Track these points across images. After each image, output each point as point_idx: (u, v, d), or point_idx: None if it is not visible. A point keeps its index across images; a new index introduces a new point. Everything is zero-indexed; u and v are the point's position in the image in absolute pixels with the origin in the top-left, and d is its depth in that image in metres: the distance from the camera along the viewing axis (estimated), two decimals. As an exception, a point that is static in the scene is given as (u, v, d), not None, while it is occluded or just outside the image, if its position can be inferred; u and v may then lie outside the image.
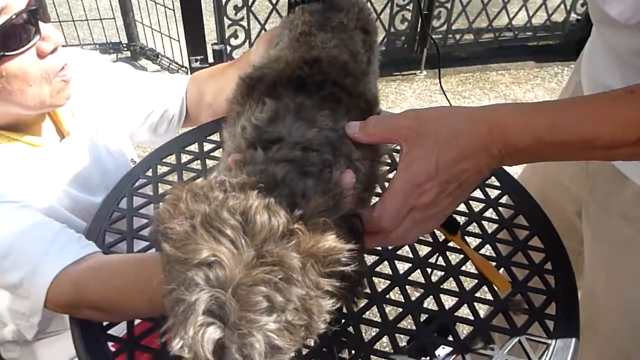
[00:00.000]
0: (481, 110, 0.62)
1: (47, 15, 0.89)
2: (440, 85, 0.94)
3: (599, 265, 0.93)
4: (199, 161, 1.05)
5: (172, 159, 1.06)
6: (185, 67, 2.89)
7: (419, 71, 3.10)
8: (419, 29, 2.97)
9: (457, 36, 3.12)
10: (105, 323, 0.78)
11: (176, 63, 2.96)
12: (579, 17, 3.19)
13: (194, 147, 1.09)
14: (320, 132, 0.61)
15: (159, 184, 1.00)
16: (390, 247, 0.88)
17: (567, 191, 1.06)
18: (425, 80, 3.07)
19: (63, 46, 0.91)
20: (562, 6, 3.12)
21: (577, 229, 1.05)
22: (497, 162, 0.61)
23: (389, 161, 1.01)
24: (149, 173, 1.02)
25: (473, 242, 0.91)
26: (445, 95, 1.19)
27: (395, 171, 0.63)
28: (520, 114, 0.60)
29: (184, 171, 1.03)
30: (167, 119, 1.17)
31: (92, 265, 0.77)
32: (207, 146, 1.09)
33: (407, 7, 2.93)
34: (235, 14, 2.67)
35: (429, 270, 0.85)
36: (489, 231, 0.92)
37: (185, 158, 1.06)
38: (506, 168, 0.97)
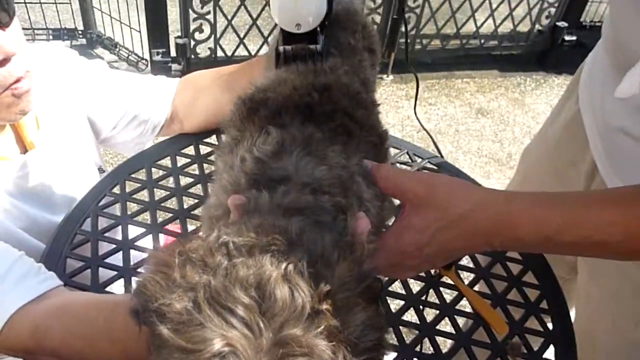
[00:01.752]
0: (495, 196, 0.61)
1: (4, 15, 0.77)
2: (415, 99, 0.91)
3: (599, 305, 0.90)
4: (172, 177, 0.97)
5: (142, 174, 0.97)
6: (146, 60, 2.75)
7: (386, 75, 3.06)
8: (387, 33, 2.93)
9: (425, 42, 3.10)
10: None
11: (136, 55, 2.81)
12: (542, 29, 3.23)
13: (166, 161, 1.00)
14: (330, 170, 0.54)
15: (127, 202, 0.92)
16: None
17: None
18: (392, 85, 3.04)
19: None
20: (527, 17, 3.15)
21: (566, 258, 1.03)
22: (494, 249, 0.61)
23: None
24: (117, 190, 0.93)
25: (467, 276, 0.86)
26: (416, 114, 1.14)
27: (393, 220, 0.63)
28: (534, 209, 0.58)
29: (155, 189, 0.94)
30: (142, 124, 1.06)
31: (56, 306, 0.67)
32: (181, 160, 1.01)
33: (378, 10, 2.89)
34: (202, 7, 2.56)
35: (422, 308, 0.81)
36: (482, 265, 0.88)
37: (156, 173, 0.97)
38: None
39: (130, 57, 2.81)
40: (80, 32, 2.92)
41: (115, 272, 0.80)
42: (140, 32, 2.71)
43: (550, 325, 0.81)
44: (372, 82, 0.72)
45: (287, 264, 0.40)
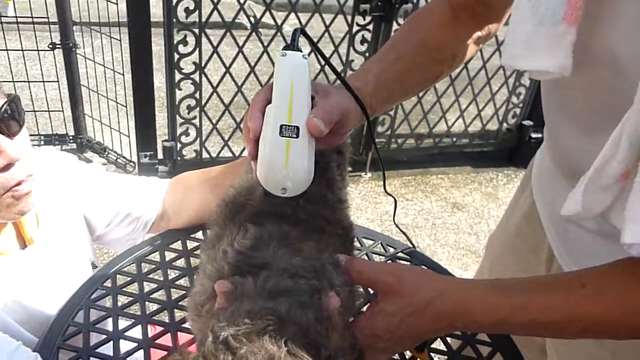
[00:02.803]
0: (455, 285, 0.69)
1: (15, 124, 0.87)
2: (385, 188, 1.00)
3: None
4: (160, 271, 1.03)
5: (132, 268, 1.03)
6: (133, 162, 2.86)
7: (364, 173, 3.21)
8: (364, 134, 3.11)
9: (400, 141, 3.27)
10: None
11: (124, 157, 2.93)
12: (510, 128, 3.44)
13: (155, 256, 1.06)
14: (305, 260, 0.62)
15: (119, 295, 0.97)
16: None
17: None
18: (370, 182, 3.17)
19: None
20: (495, 117, 3.36)
21: (537, 341, 1.07)
22: (457, 330, 0.70)
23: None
24: (108, 283, 0.99)
25: (439, 358, 0.91)
26: (395, 200, 1.22)
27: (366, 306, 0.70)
28: (487, 296, 0.66)
29: (144, 282, 1.00)
30: (134, 222, 1.13)
31: None
32: (170, 255, 1.07)
33: (354, 112, 3.06)
34: (188, 112, 2.71)
35: (398, 390, 0.85)
36: (454, 347, 0.93)
37: (145, 267, 1.03)
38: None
39: (118, 160, 2.93)
40: (71, 137, 3.04)
41: (106, 362, 0.84)
42: (129, 136, 2.84)
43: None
44: (338, 181, 0.79)
45: (285, 340, 0.45)
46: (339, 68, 2.78)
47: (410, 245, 1.15)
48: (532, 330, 0.69)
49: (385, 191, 0.99)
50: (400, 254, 1.13)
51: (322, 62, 0.74)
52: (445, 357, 0.91)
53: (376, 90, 0.80)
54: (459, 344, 0.93)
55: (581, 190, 0.62)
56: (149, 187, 1.15)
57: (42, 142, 3.00)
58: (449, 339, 0.94)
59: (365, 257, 1.11)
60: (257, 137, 0.68)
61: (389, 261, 1.11)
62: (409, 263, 1.11)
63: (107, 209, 1.11)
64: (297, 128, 0.65)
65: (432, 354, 0.91)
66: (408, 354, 0.90)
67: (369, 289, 0.95)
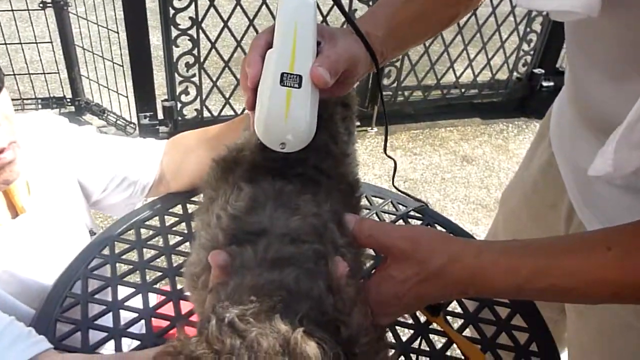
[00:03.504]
0: (468, 248, 0.63)
1: None
2: (385, 148, 0.94)
3: (589, 345, 0.91)
4: (160, 237, 0.98)
5: (131, 234, 0.98)
6: (134, 124, 2.80)
7: (370, 128, 3.13)
8: (369, 87, 3.02)
9: (407, 93, 3.18)
10: None
11: (123, 119, 2.86)
12: (521, 77, 3.34)
13: (154, 221, 1.01)
14: (304, 219, 0.56)
15: (117, 263, 0.92)
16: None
17: None
18: (377, 136, 3.10)
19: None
20: (505, 66, 3.25)
21: None
22: (470, 296, 0.65)
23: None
24: (106, 251, 0.94)
25: (456, 321, 0.87)
26: (386, 152, 1.16)
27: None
28: (502, 259, 0.61)
29: (144, 248, 0.95)
30: (131, 186, 1.08)
31: None
32: (170, 220, 1.02)
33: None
34: (187, 70, 2.63)
35: (413, 356, 0.81)
36: (470, 310, 0.89)
37: (145, 233, 0.99)
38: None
39: (118, 122, 2.86)
40: (68, 100, 2.98)
41: (106, 334, 0.80)
42: (127, 97, 2.77)
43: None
44: (342, 134, 0.73)
45: (300, 317, 0.40)
46: (340, 19, 2.67)
47: (422, 203, 1.09)
48: (553, 296, 0.64)
49: (385, 153, 0.93)
50: (411, 212, 1.07)
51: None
52: (462, 320, 0.87)
53: (387, 36, 0.72)
54: (475, 306, 0.89)
55: (612, 149, 0.55)
56: (145, 149, 1.09)
57: (40, 106, 2.94)
58: (465, 301, 0.90)
59: (375, 217, 1.06)
60: (256, 85, 0.61)
61: (401, 220, 1.05)
62: (420, 222, 1.06)
63: (102, 174, 1.06)
64: (300, 77, 0.59)
65: (448, 317, 0.87)
66: (423, 318, 0.86)
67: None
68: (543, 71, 3.26)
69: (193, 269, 0.58)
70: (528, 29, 3.16)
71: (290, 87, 0.58)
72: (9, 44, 2.78)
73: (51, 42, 2.85)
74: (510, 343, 0.84)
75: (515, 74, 3.32)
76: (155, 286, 0.89)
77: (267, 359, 0.37)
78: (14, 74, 2.85)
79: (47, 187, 0.98)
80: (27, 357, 0.68)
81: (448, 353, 0.81)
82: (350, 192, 0.69)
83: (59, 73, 2.91)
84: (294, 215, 0.55)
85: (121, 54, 2.71)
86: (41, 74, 2.90)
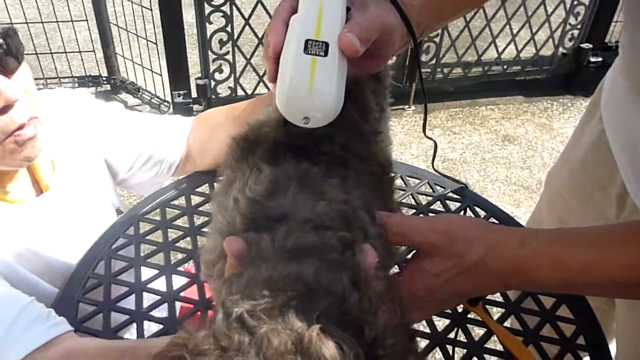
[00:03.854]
0: (509, 239, 0.57)
1: (12, 61, 0.77)
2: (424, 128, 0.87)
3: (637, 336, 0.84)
4: (186, 217, 0.95)
5: (156, 214, 0.95)
6: (168, 102, 2.79)
7: (408, 106, 3.04)
8: (407, 63, 2.92)
9: (446, 70, 3.08)
10: None
11: (158, 97, 2.86)
12: (567, 52, 3.19)
13: (180, 201, 0.98)
14: (329, 205, 0.51)
15: (142, 244, 0.90)
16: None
17: None
18: (414, 115, 3.01)
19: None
20: (551, 41, 3.11)
21: None
22: (513, 289, 0.59)
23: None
24: (131, 231, 0.92)
25: (496, 311, 0.81)
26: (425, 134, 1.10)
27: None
28: (550, 250, 0.55)
29: (169, 229, 0.92)
30: (157, 165, 1.05)
31: (61, 354, 0.65)
32: (196, 199, 0.99)
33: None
34: (220, 48, 2.59)
35: (449, 347, 0.75)
36: (512, 299, 0.83)
37: (170, 213, 0.96)
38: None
39: (152, 100, 2.86)
40: (104, 78, 2.99)
41: (127, 316, 0.78)
42: (161, 75, 2.76)
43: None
44: (373, 110, 0.68)
45: (317, 315, 0.35)
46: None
47: (462, 184, 1.03)
48: (608, 291, 0.58)
49: (425, 134, 0.86)
50: (450, 194, 1.01)
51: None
52: (503, 309, 0.81)
53: (423, 5, 0.65)
54: (517, 295, 0.83)
55: None
56: (172, 127, 1.06)
57: (76, 84, 2.96)
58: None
59: (411, 199, 1.00)
60: (278, 54, 0.55)
61: (438, 202, 0.99)
62: (458, 204, 0.99)
63: (128, 152, 1.03)
64: (327, 44, 0.53)
65: (488, 306, 0.81)
66: (461, 307, 0.80)
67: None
68: (591, 46, 3.10)
69: (208, 256, 0.54)
70: (575, 2, 3.00)
71: (316, 55, 0.53)
72: (46, 22, 2.79)
73: (87, 21, 2.85)
74: (555, 335, 0.78)
75: (560, 49, 3.17)
76: (179, 268, 0.86)
77: (278, 357, 0.33)
78: (51, 53, 2.87)
79: (72, 165, 0.96)
80: (45, 340, 0.66)
81: (487, 345, 0.75)
82: (381, 174, 0.63)
83: (94, 52, 2.92)
84: (319, 201, 0.50)
85: (155, 32, 2.70)
86: (77, 52, 2.91)
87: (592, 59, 3.11)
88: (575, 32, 3.12)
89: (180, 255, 0.88)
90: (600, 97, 0.90)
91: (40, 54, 2.82)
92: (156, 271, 0.85)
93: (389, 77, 0.76)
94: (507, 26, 2.96)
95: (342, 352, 0.33)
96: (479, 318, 0.78)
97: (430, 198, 1.00)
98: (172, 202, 0.98)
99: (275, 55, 0.56)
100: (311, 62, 0.53)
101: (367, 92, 0.68)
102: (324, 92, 0.54)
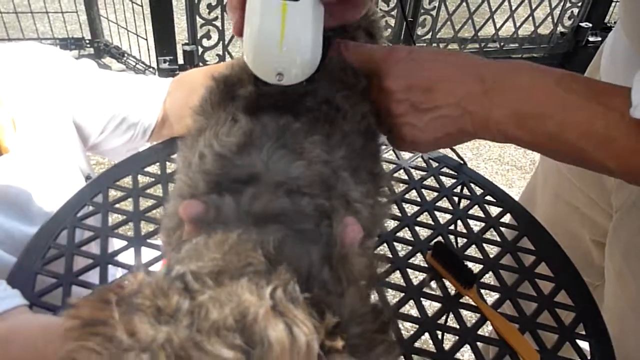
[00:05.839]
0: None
1: None
2: None
3: (630, 309, 0.79)
4: (160, 185, 0.88)
5: (127, 181, 0.88)
6: (153, 68, 2.69)
7: (401, 81, 2.96)
8: (402, 37, 2.84)
9: (442, 45, 2.99)
10: None
11: (143, 63, 2.75)
12: (565, 31, 3.11)
13: (154, 168, 0.91)
14: (309, 166, 0.44)
15: (110, 213, 0.83)
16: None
17: (583, 217, 0.92)
18: (408, 90, 2.94)
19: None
20: (550, 19, 3.03)
21: (595, 262, 0.92)
22: (485, 93, 0.51)
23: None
24: (99, 199, 0.84)
25: (491, 296, 0.75)
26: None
27: None
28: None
29: (141, 197, 0.85)
30: (132, 128, 0.97)
31: (3, 333, 0.58)
32: (172, 167, 0.91)
33: (392, 12, 2.79)
34: (209, 12, 2.48)
35: (439, 333, 0.70)
36: (509, 283, 0.77)
37: (143, 181, 0.88)
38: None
39: (137, 66, 2.76)
40: (87, 41, 2.87)
41: (90, 291, 0.71)
42: (147, 40, 2.65)
43: (588, 353, 0.70)
44: None
45: (272, 289, 0.29)
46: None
47: (460, 162, 0.96)
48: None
49: None
50: (444, 169, 0.95)
51: None
52: (498, 294, 0.75)
53: None
54: (514, 279, 0.77)
55: None
56: (148, 88, 0.98)
57: (58, 47, 2.83)
58: (503, 274, 0.78)
59: (403, 173, 0.93)
60: (244, 2, 0.48)
61: (432, 178, 0.93)
62: (454, 180, 0.93)
63: (99, 113, 0.95)
64: None
65: (482, 291, 0.75)
66: (453, 291, 0.74)
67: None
68: (590, 25, 3.02)
69: (167, 221, 0.47)
70: (577, -22, 2.92)
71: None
72: (27, -19, 2.67)
73: (70, -20, 2.73)
74: (553, 323, 0.72)
75: (559, 27, 3.09)
76: (149, 240, 0.79)
77: (212, 333, 0.26)
78: (32, 12, 2.74)
79: (37, 125, 0.88)
80: None
81: (480, 332, 0.69)
82: (371, 136, 0.56)
83: (77, 13, 2.80)
84: (296, 160, 0.43)
85: (141, -6, 2.59)
86: (60, 13, 2.79)
87: (591, 39, 3.04)
88: (575, 10, 3.04)
89: (152, 227, 0.81)
90: (600, 64, 0.85)
91: (20, 13, 2.70)
92: (124, 243, 0.78)
93: (383, 35, 0.69)
94: (506, 2, 2.88)
95: (292, 337, 0.26)
96: (472, 303, 0.72)
97: (424, 173, 0.93)
98: (145, 169, 0.90)
99: (240, 4, 0.49)
100: (281, 7, 0.46)
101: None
102: (298, 42, 0.47)
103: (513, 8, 2.91)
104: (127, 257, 0.77)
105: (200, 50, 2.59)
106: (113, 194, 0.86)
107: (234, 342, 0.26)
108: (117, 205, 0.84)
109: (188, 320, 0.27)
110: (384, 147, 0.62)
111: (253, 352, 0.26)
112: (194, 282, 0.29)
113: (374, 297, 0.37)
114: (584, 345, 0.70)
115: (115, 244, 0.79)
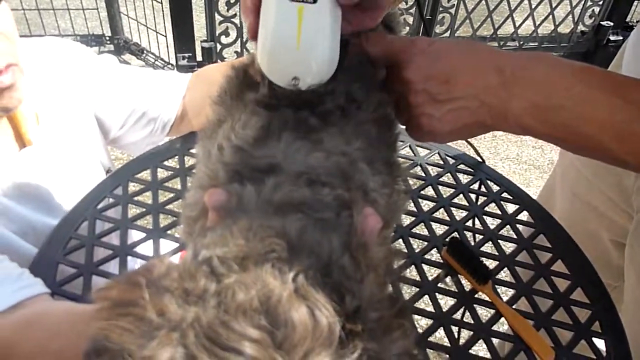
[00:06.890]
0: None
1: None
2: None
3: None
4: (178, 179, 0.89)
5: (146, 174, 0.89)
6: (172, 65, 2.71)
7: (419, 79, 2.96)
8: (420, 35, 2.83)
9: (460, 44, 2.98)
10: None
11: (162, 60, 2.78)
12: (586, 30, 3.08)
13: (173, 162, 0.92)
14: (328, 157, 0.44)
15: (129, 205, 0.84)
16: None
17: (602, 217, 0.92)
18: (425, 88, 2.93)
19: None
20: (570, 17, 3.00)
21: (613, 262, 0.91)
22: (505, 82, 0.51)
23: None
24: (119, 191, 0.86)
25: (506, 292, 0.75)
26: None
27: None
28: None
29: (159, 190, 0.87)
30: (151, 123, 0.99)
31: (27, 318, 0.60)
32: (190, 161, 0.93)
33: (410, 10, 2.78)
34: (227, 10, 2.50)
35: (454, 329, 0.70)
36: (524, 280, 0.77)
37: (163, 174, 0.90)
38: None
39: (156, 62, 2.79)
40: (107, 38, 2.91)
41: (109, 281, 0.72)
42: (166, 37, 2.68)
43: (603, 351, 0.69)
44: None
45: (295, 274, 0.30)
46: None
47: (479, 160, 0.96)
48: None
49: None
50: (461, 166, 0.95)
51: None
52: (514, 290, 0.75)
53: None
54: (530, 276, 0.77)
55: None
56: (168, 83, 0.99)
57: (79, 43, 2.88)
58: (519, 270, 0.78)
59: (419, 169, 0.94)
60: (259, 6, 0.48)
61: (448, 174, 0.93)
62: (471, 177, 0.93)
63: (120, 107, 0.97)
64: None
65: (497, 287, 0.75)
66: (468, 287, 0.74)
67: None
68: (611, 24, 2.99)
69: (189, 212, 0.48)
70: (598, -23, 2.89)
71: (302, 2, 0.45)
72: (49, -22, 2.71)
73: (91, -23, 2.77)
74: (568, 321, 0.72)
75: (580, 26, 3.06)
76: (168, 232, 0.80)
77: (239, 313, 0.28)
78: (54, 9, 2.78)
79: (59, 119, 0.90)
80: (11, 302, 0.60)
81: (495, 328, 0.70)
82: (387, 126, 0.56)
83: (98, 10, 2.83)
84: (315, 151, 0.44)
85: (161, -9, 2.61)
86: (81, 10, 2.83)
87: (612, 38, 3.01)
88: (597, 8, 3.01)
89: (170, 220, 0.82)
90: (621, 63, 0.85)
91: (42, 9, 2.74)
92: (143, 234, 0.79)
93: (400, 26, 0.69)
94: (526, 0, 2.85)
95: (314, 320, 0.27)
96: (487, 298, 0.72)
97: (441, 170, 0.94)
98: (164, 163, 0.92)
99: (255, 6, 0.48)
100: (297, 11, 0.45)
101: None
102: (314, 47, 0.46)
103: (533, 6, 2.88)
104: (146, 248, 0.78)
105: (219, 47, 2.61)
106: (133, 186, 0.87)
107: (260, 323, 0.27)
108: (136, 198, 0.85)
109: (215, 302, 0.28)
110: (400, 142, 0.63)
111: (277, 332, 0.27)
112: (220, 266, 0.31)
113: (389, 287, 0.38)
114: (600, 343, 0.70)
115: (134, 235, 0.80)
